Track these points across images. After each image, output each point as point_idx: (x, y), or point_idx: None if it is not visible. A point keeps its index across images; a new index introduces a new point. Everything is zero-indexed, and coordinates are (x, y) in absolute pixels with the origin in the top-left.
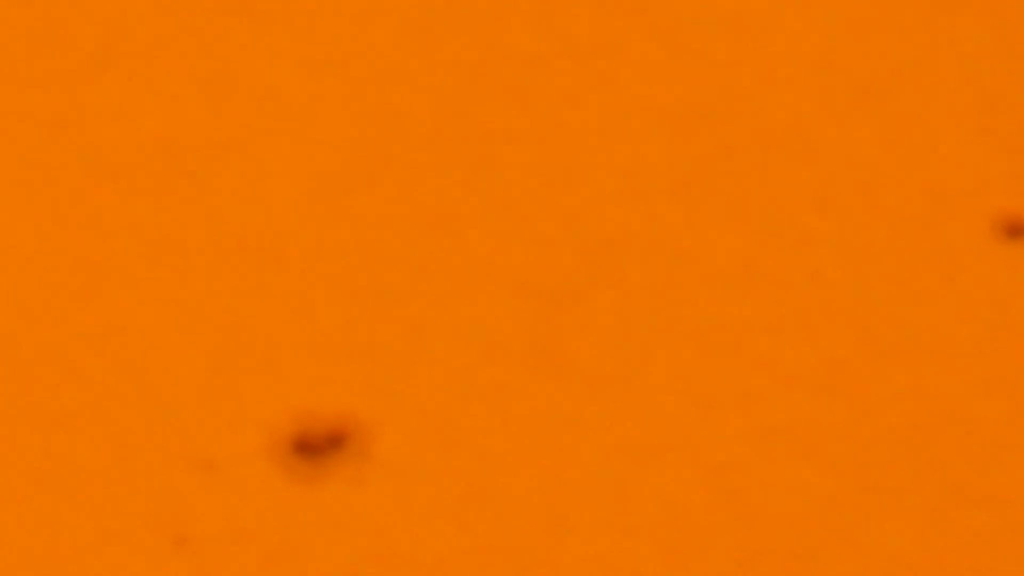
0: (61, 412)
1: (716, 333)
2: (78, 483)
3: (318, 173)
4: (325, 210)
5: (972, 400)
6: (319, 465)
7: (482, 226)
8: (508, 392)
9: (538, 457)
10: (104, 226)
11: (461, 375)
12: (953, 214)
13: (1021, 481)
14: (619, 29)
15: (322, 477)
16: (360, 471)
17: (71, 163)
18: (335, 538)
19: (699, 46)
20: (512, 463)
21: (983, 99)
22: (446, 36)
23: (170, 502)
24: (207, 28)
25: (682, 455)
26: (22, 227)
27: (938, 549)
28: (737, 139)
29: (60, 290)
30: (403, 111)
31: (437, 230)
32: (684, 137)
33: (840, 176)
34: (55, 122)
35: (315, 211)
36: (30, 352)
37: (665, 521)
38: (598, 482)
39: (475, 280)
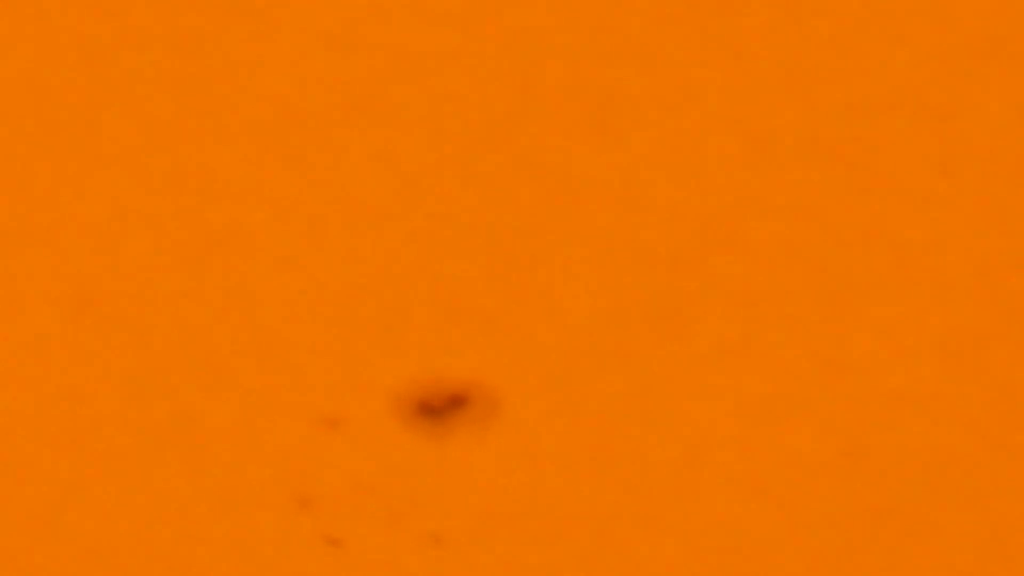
0: (188, 374)
1: (840, 296)
2: (206, 444)
3: (445, 134)
4: (451, 174)
5: None
6: (443, 423)
7: (606, 190)
8: (632, 353)
9: (662, 417)
10: (231, 187)
11: (583, 338)
12: None
13: None
14: None
15: (446, 435)
16: (484, 429)
17: (197, 125)
18: (459, 495)
19: (823, 5)
20: (636, 422)
21: None
22: None
23: (295, 461)
24: None
25: (807, 417)
26: (148, 190)
27: None
28: (861, 101)
29: (187, 252)
30: (529, 74)
31: (562, 193)
32: (806, 98)
33: (965, 139)
34: (180, 84)
35: (441, 175)
36: (158, 315)
37: (790, 482)
38: (723, 442)
39: (598, 244)
